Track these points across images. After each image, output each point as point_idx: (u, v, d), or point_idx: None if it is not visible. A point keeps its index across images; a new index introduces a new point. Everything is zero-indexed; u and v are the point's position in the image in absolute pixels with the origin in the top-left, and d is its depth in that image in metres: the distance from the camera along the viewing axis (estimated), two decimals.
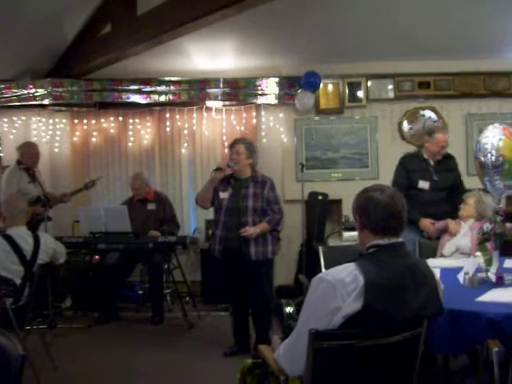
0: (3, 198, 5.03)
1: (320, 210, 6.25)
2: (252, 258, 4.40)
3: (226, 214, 4.48)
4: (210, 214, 5.18)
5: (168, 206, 6.03)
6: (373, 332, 2.03)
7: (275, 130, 6.67)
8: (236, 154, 4.49)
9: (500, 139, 3.33)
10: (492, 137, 3.39)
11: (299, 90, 6.36)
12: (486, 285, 3.21)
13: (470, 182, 5.36)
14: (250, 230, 4.35)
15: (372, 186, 2.28)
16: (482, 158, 3.43)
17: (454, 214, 4.63)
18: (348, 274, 2.04)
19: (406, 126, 6.62)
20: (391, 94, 6.58)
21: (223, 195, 4.53)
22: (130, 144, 6.83)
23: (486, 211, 4.42)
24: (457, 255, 4.34)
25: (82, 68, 6.19)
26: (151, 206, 5.95)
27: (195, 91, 6.47)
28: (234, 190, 4.52)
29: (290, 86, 6.45)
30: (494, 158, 3.34)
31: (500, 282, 3.21)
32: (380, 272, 2.05)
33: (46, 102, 6.42)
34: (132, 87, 6.48)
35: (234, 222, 4.45)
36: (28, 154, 5.84)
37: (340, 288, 2.01)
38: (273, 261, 4.71)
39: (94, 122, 6.84)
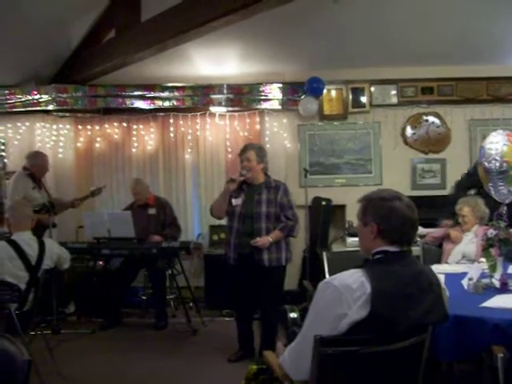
0: (9, 203, 5.04)
1: (323, 215, 6.25)
2: (265, 265, 4.35)
3: (239, 220, 4.44)
4: (214, 219, 5.17)
5: (168, 209, 6.02)
6: (378, 339, 2.03)
7: (279, 135, 6.67)
8: (247, 161, 4.43)
9: (504, 145, 3.34)
10: (496, 143, 3.40)
11: (303, 96, 6.37)
12: (491, 290, 3.22)
13: None
14: (263, 240, 4.30)
15: (386, 192, 2.23)
16: (487, 164, 3.44)
17: None
18: (355, 280, 2.03)
19: (409, 131, 6.62)
20: (394, 100, 6.59)
21: (236, 202, 4.47)
22: (133, 150, 6.85)
23: (484, 212, 4.43)
24: (463, 262, 4.34)
25: (86, 74, 6.21)
26: (152, 211, 5.95)
27: (199, 97, 6.49)
28: (247, 196, 4.48)
29: (293, 91, 6.47)
30: (498, 163, 3.35)
31: (504, 288, 3.21)
32: (387, 280, 2.05)
33: (50, 107, 6.45)
34: (136, 93, 6.52)
35: (248, 228, 4.41)
36: (36, 166, 5.84)
37: (346, 294, 2.00)
38: (286, 268, 4.61)
39: (97, 127, 6.87)
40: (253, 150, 4.49)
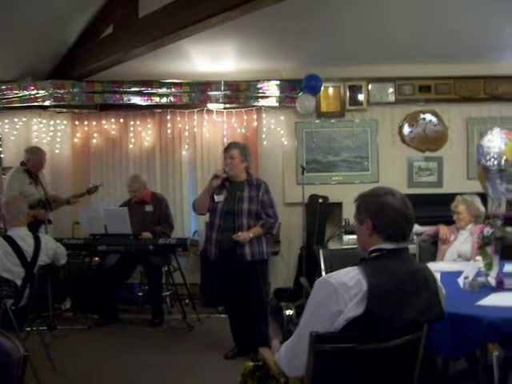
0: (4, 199, 5.03)
1: (320, 212, 6.26)
2: (248, 259, 4.43)
3: (221, 216, 4.52)
4: None
5: (164, 206, 6.02)
6: (373, 336, 2.03)
7: (276, 132, 6.67)
8: (230, 159, 4.53)
9: (503, 143, 3.35)
10: (495, 141, 3.40)
11: (300, 93, 6.36)
12: (486, 289, 3.22)
13: (471, 185, 5.38)
14: (244, 235, 4.38)
15: (379, 189, 2.25)
16: (485, 162, 3.44)
17: None
18: (351, 278, 2.03)
19: (406, 129, 6.62)
20: (392, 98, 6.59)
21: (218, 198, 4.56)
22: (130, 146, 6.85)
23: (479, 210, 4.43)
24: (459, 261, 4.33)
25: (83, 70, 6.19)
26: (149, 208, 5.95)
27: (196, 93, 6.47)
28: (229, 193, 4.55)
29: (291, 88, 6.46)
30: (497, 161, 3.36)
31: (500, 287, 3.22)
32: (383, 277, 2.05)
33: (47, 103, 6.41)
34: (133, 89, 6.48)
35: (229, 224, 4.48)
36: (33, 161, 5.81)
37: (342, 291, 2.01)
38: (268, 262, 4.72)
39: (94, 123, 6.86)
40: (237, 148, 4.59)
